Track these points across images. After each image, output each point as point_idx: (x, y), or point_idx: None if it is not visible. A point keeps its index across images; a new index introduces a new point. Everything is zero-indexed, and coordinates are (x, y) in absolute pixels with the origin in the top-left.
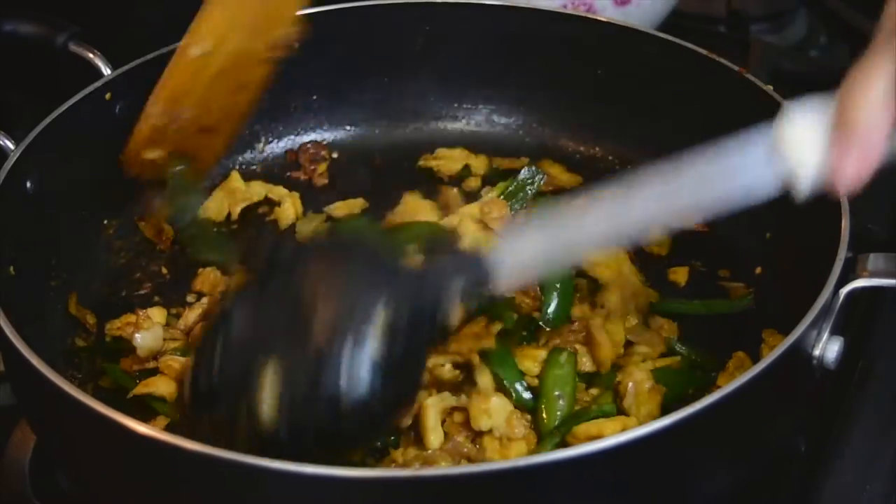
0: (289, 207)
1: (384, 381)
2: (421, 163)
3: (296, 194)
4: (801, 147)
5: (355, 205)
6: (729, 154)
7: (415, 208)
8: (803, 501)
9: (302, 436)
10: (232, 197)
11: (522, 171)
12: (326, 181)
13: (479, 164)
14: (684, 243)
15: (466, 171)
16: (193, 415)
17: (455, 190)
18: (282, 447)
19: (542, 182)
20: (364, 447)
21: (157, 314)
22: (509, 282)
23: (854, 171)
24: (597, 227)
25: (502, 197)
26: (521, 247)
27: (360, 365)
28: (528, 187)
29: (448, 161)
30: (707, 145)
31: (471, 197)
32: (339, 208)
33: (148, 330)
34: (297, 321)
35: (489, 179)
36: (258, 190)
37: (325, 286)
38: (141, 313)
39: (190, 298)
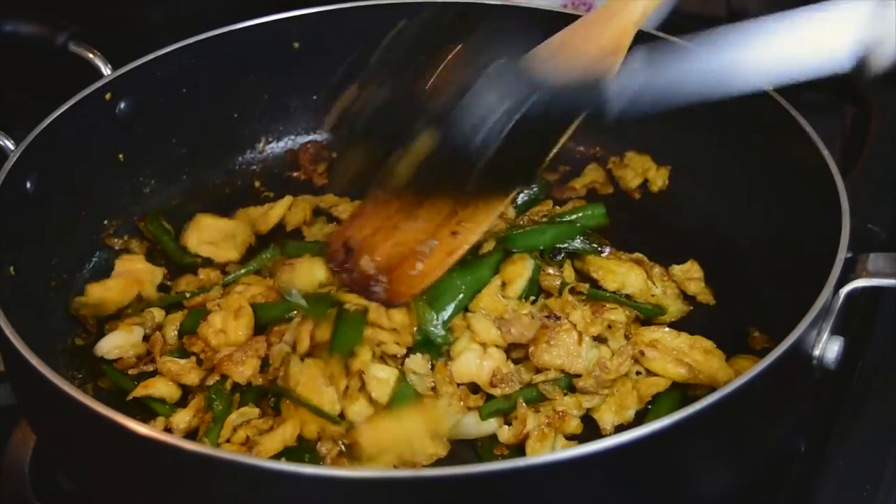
0: (298, 211)
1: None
2: None
3: (308, 198)
4: (884, 25)
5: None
6: (815, 20)
7: None
8: (803, 501)
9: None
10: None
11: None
12: (326, 181)
13: None
14: (685, 244)
15: None
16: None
17: None
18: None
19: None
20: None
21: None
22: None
23: None
24: (702, 72)
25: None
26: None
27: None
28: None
29: None
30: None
31: None
32: (344, 210)
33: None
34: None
35: None
36: (276, 212)
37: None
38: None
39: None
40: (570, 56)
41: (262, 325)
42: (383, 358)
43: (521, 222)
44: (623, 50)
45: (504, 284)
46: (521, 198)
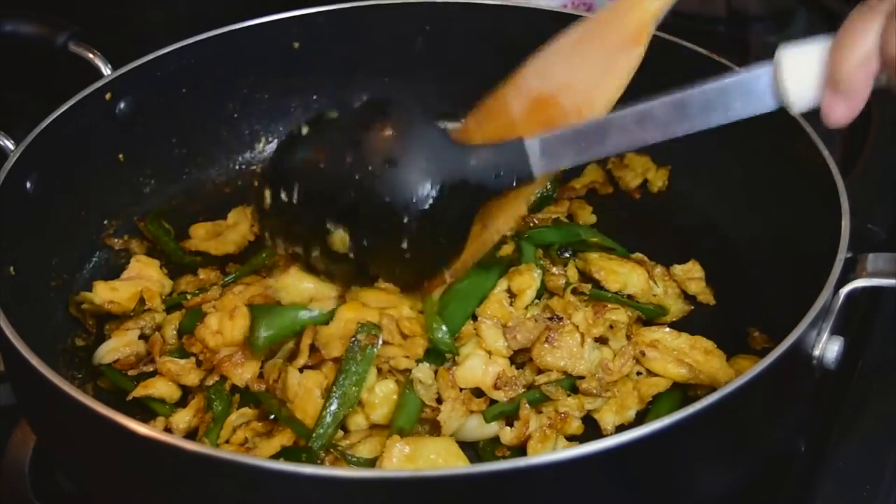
0: None
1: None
2: None
3: None
4: (797, 85)
5: None
6: (733, 82)
7: None
8: (803, 501)
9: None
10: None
11: None
12: None
13: None
14: (685, 244)
15: None
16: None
17: None
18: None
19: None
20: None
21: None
22: (543, 168)
23: (841, 115)
24: (619, 133)
25: None
26: (556, 142)
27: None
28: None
29: None
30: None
31: None
32: None
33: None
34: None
35: None
36: None
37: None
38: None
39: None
40: (590, 46)
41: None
42: (391, 371)
43: (532, 223)
44: (645, 41)
45: (512, 294)
46: (534, 196)
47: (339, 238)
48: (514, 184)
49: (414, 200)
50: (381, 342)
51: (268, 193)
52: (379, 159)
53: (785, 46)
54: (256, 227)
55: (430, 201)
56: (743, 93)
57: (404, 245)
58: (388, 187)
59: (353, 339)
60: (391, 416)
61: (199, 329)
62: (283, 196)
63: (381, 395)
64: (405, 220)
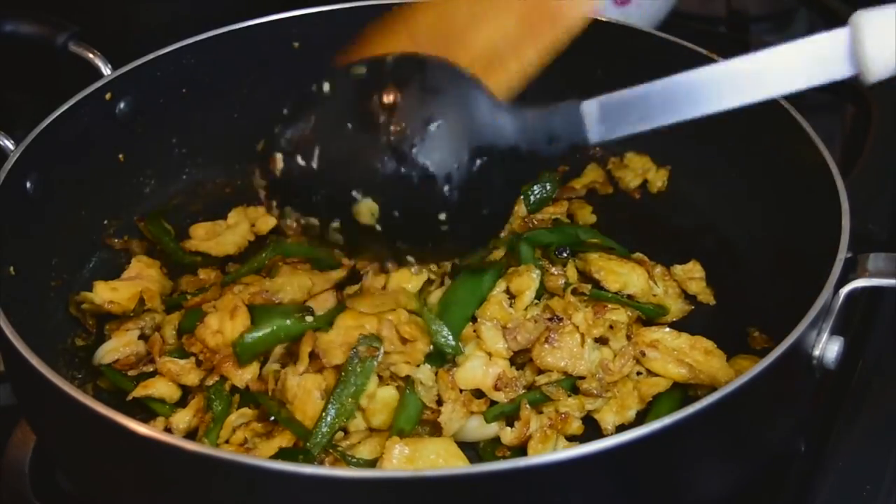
0: None
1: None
2: None
3: None
4: (878, 50)
5: None
6: (809, 44)
7: None
8: (803, 501)
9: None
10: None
11: (535, 187)
12: None
13: None
14: (685, 244)
15: None
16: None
17: None
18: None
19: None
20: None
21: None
22: (601, 135)
23: None
24: (689, 98)
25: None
26: (617, 106)
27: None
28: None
29: None
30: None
31: None
32: None
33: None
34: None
35: None
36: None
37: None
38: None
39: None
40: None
41: None
42: (392, 377)
43: (531, 224)
44: None
45: (511, 296)
46: (534, 196)
47: (367, 208)
48: (568, 150)
49: (457, 167)
50: (381, 354)
51: (279, 157)
52: (418, 121)
53: (861, 12)
54: (257, 227)
55: (475, 169)
56: (819, 57)
57: (442, 217)
58: (428, 153)
59: (354, 350)
60: (391, 420)
61: (200, 329)
62: (300, 160)
63: (381, 401)
64: (445, 190)
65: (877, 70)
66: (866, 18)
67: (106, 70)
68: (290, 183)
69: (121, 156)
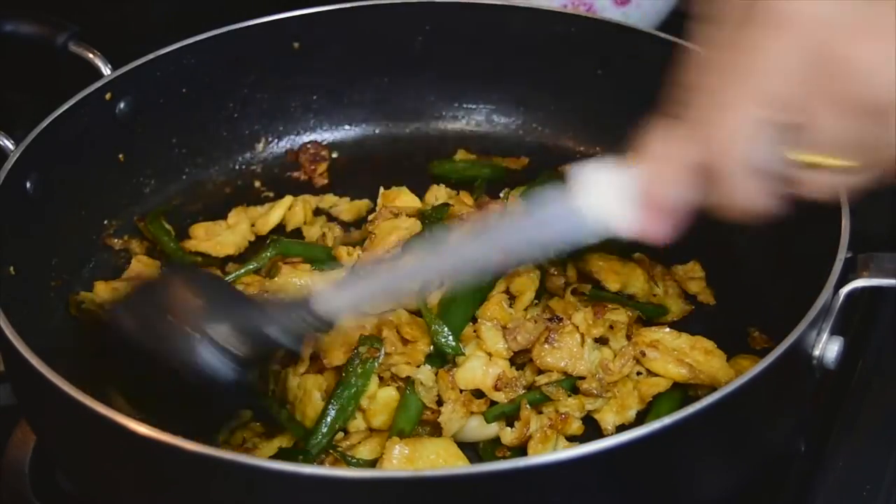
0: (298, 211)
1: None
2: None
3: (308, 198)
4: (606, 207)
5: (362, 206)
6: (545, 209)
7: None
8: (803, 501)
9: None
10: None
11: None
12: (326, 181)
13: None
14: (685, 244)
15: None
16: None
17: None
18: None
19: None
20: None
21: None
22: (335, 318)
23: (664, 231)
24: (412, 275)
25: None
26: (343, 293)
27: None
28: None
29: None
30: None
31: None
32: (346, 211)
33: None
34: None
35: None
36: (277, 213)
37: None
38: None
39: None
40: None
41: None
42: (393, 378)
43: None
44: None
45: (511, 296)
46: None
47: None
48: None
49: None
50: (382, 355)
51: None
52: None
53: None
54: (256, 227)
55: None
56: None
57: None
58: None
59: (355, 351)
60: (391, 421)
61: None
62: None
63: (381, 402)
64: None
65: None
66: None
67: (106, 70)
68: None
69: (121, 156)
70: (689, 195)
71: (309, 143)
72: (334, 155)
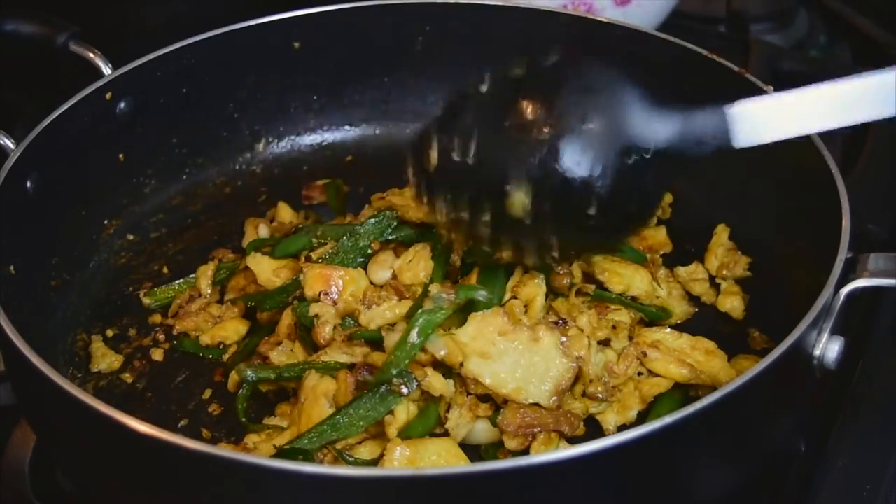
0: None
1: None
2: None
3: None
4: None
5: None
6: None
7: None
8: (803, 501)
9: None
10: None
11: None
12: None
13: None
14: (686, 244)
15: None
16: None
17: None
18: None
19: None
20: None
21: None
22: (744, 140)
23: None
24: (828, 108)
25: None
26: (759, 113)
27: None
28: None
29: None
30: None
31: None
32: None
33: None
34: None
35: None
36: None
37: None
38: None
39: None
40: None
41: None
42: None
43: None
44: None
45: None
46: None
47: (519, 201)
48: (712, 153)
49: (609, 165)
50: (414, 387)
51: (434, 153)
52: (573, 120)
53: None
54: (414, 189)
55: (626, 167)
56: None
57: (591, 211)
58: (582, 150)
59: (386, 386)
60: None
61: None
62: (456, 155)
63: (400, 416)
64: (597, 186)
65: None
66: None
67: (106, 70)
68: (443, 178)
69: (121, 156)
70: None
71: (315, 182)
72: (334, 155)
